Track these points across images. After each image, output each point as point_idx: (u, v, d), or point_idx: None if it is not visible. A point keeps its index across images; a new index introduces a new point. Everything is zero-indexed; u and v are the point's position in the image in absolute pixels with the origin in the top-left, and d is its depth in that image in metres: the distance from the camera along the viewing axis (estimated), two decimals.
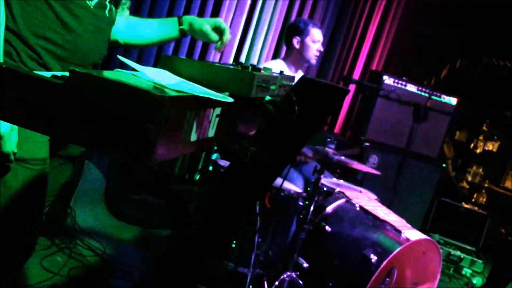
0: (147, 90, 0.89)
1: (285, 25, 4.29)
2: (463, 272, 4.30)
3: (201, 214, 1.96)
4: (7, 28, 1.36)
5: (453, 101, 4.34)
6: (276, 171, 1.53)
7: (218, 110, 1.21)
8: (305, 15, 4.40)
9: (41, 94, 0.94)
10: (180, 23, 1.71)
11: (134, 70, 1.09)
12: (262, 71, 1.50)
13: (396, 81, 4.14)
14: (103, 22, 1.51)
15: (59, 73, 0.94)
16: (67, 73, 0.90)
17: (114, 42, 1.73)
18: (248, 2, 4.01)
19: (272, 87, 1.46)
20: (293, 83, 1.72)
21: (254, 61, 4.14)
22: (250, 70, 1.31)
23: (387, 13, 5.01)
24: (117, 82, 0.88)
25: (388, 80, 4.10)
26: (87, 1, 1.44)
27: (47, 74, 0.93)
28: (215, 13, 3.84)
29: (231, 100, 1.12)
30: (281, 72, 1.70)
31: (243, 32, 4.08)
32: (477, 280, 4.15)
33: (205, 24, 1.67)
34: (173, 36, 1.76)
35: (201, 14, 3.77)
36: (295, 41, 3.11)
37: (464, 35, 5.69)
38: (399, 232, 2.44)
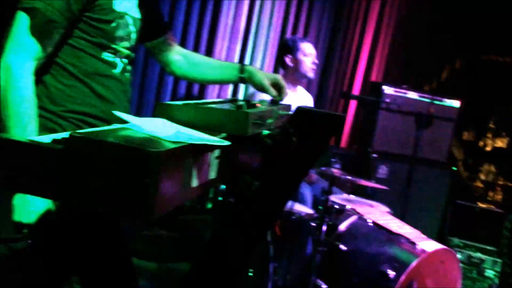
0: (142, 148, 0.91)
1: (279, 48, 4.34)
2: (486, 274, 4.24)
3: (215, 244, 1.98)
4: (46, 110, 1.48)
5: (455, 103, 4.34)
6: (281, 202, 1.55)
7: (216, 152, 1.23)
8: (300, 34, 4.45)
9: (43, 159, 0.96)
10: (241, 71, 1.79)
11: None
12: (258, 105, 1.53)
13: (397, 90, 4.15)
14: (126, 85, 1.65)
15: (59, 136, 0.98)
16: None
17: (170, 72, 1.89)
18: (243, 27, 4.07)
19: (269, 121, 1.49)
20: (290, 112, 1.75)
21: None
22: (244, 108, 1.34)
23: (381, 22, 5.05)
24: (113, 143, 0.91)
25: (388, 90, 4.12)
26: (113, 71, 1.58)
27: (48, 139, 0.97)
28: (211, 41, 3.90)
29: (227, 143, 1.14)
30: (277, 102, 1.73)
31: (240, 57, 4.13)
32: None
33: (265, 79, 1.76)
34: (231, 81, 1.88)
35: (196, 42, 3.83)
36: (288, 60, 3.18)
37: (460, 35, 5.71)
38: (414, 244, 2.43)
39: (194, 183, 1.13)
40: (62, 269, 1.44)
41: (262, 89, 1.78)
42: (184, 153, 1.03)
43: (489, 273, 4.25)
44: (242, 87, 4.15)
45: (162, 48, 1.83)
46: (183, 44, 3.74)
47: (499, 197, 5.81)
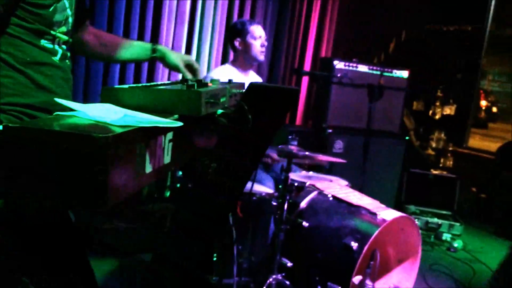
0: (88, 134, 0.85)
1: (227, 28, 4.27)
2: (444, 238, 4.39)
3: (177, 232, 1.93)
4: None
5: (404, 74, 4.41)
6: (241, 181, 1.51)
7: (170, 135, 1.17)
8: (246, 16, 4.39)
9: None
10: (153, 51, 1.79)
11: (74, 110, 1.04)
12: (210, 84, 1.47)
13: (347, 64, 4.17)
14: (67, 73, 1.57)
15: None
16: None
17: (81, 52, 1.84)
18: (188, 10, 3.97)
19: (222, 99, 1.44)
20: (243, 90, 1.70)
21: (203, 68, 4.10)
22: (196, 87, 1.28)
23: (327, 0, 5.06)
24: (55, 131, 0.84)
25: (339, 64, 4.13)
26: (53, 58, 1.49)
27: None
28: (156, 25, 3.78)
29: (179, 124, 1.09)
30: (230, 82, 1.68)
31: (187, 41, 4.03)
32: (458, 243, 4.24)
33: (179, 60, 1.77)
34: (143, 60, 1.89)
35: (141, 27, 3.70)
36: (237, 43, 3.13)
37: (404, 6, 5.80)
38: (375, 214, 2.46)
39: (148, 168, 1.08)
40: (13, 270, 1.36)
41: (175, 69, 1.78)
42: (134, 137, 0.97)
43: (446, 236, 4.40)
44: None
45: (78, 29, 1.75)
46: (126, 29, 3.60)
47: (450, 163, 6.01)
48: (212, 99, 1.30)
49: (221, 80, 3.06)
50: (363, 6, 5.39)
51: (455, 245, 4.21)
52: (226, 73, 3.12)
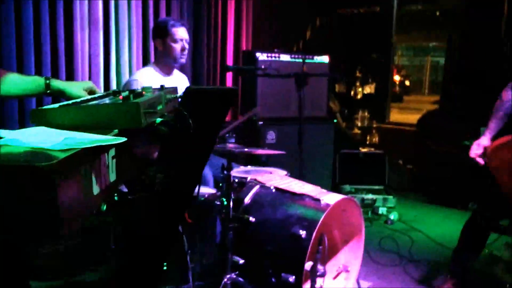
0: (30, 164, 0.79)
1: (144, 28, 4.16)
2: (380, 212, 4.58)
3: (123, 246, 1.86)
4: None
5: (325, 59, 4.52)
6: (190, 188, 1.48)
7: (112, 152, 1.12)
8: (162, 14, 4.29)
9: None
10: (47, 87, 1.65)
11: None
12: (144, 93, 1.42)
13: (269, 55, 4.21)
14: None
15: None
16: None
17: None
18: (101, 15, 3.81)
19: (159, 107, 1.39)
20: (177, 95, 1.66)
21: (125, 73, 3.96)
22: (132, 99, 1.23)
23: None
24: None
25: (261, 56, 4.16)
26: None
27: None
28: (68, 34, 3.59)
29: (122, 139, 1.03)
30: (162, 87, 1.62)
31: (104, 46, 3.88)
32: (394, 215, 4.43)
33: (81, 91, 1.65)
34: (37, 95, 1.74)
35: (53, 37, 3.50)
36: (158, 44, 3.05)
37: None
38: (318, 200, 2.50)
39: (95, 190, 1.02)
40: None
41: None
42: (79, 160, 0.92)
43: (382, 210, 4.59)
44: (113, 73, 3.92)
45: None
46: (37, 41, 3.39)
47: (376, 139, 6.27)
48: (150, 108, 1.25)
49: (147, 83, 2.97)
50: None
51: (392, 217, 4.40)
52: (150, 75, 3.04)
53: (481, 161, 2.49)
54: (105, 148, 1.03)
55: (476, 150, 2.48)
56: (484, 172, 2.55)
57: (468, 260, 2.96)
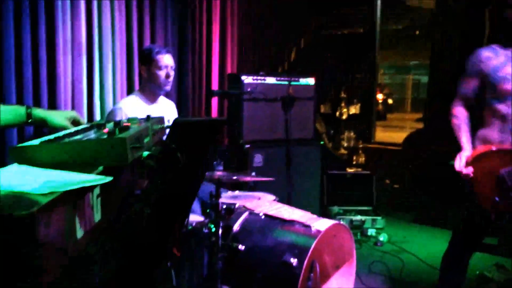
0: (9, 213, 0.73)
1: (128, 54, 4.12)
2: (369, 234, 4.54)
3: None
4: None
5: (310, 81, 4.52)
6: (178, 222, 1.42)
7: (97, 190, 1.07)
8: (147, 39, 4.27)
9: None
10: (29, 117, 1.59)
11: None
12: (129, 124, 1.37)
13: (255, 77, 4.19)
14: None
15: None
16: None
17: None
18: (84, 40, 3.76)
19: (146, 140, 1.35)
20: (164, 125, 1.62)
21: (109, 100, 3.90)
22: (118, 133, 1.18)
23: (225, 14, 5.07)
24: None
25: (247, 79, 4.14)
26: None
27: None
28: (51, 59, 3.53)
29: (108, 179, 0.98)
30: (149, 117, 1.58)
31: (88, 72, 3.82)
32: (383, 237, 4.40)
33: (65, 120, 1.61)
34: (18, 125, 1.67)
35: (35, 62, 3.44)
36: (143, 70, 3.03)
37: (298, 15, 5.99)
38: (309, 227, 2.46)
39: (79, 233, 0.97)
40: None
41: (64, 130, 1.63)
42: (61, 203, 0.86)
43: (371, 231, 4.56)
44: (97, 100, 3.85)
45: None
46: (18, 66, 3.32)
47: (362, 159, 6.27)
48: (137, 143, 1.21)
49: (131, 112, 2.92)
50: (261, 18, 5.48)
51: (381, 238, 4.36)
52: (134, 103, 2.99)
53: (469, 171, 2.39)
54: (89, 188, 0.98)
55: (459, 162, 2.42)
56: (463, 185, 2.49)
57: (455, 281, 2.86)
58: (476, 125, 2.57)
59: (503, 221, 2.46)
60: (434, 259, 3.84)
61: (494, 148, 2.42)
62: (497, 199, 2.35)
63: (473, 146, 2.50)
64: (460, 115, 2.56)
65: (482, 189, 2.40)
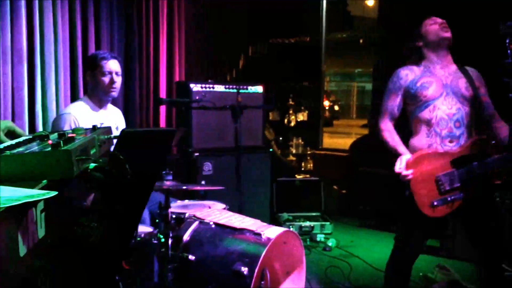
0: None
1: (72, 61, 4.01)
2: (318, 239, 4.61)
3: None
4: None
5: (259, 89, 4.55)
6: (127, 236, 1.39)
7: (41, 205, 1.02)
8: (91, 45, 4.17)
9: None
10: None
11: None
12: (74, 135, 1.33)
13: (203, 85, 4.18)
14: None
15: None
16: None
17: None
18: (25, 47, 3.62)
19: (93, 151, 1.31)
20: (111, 136, 1.58)
21: (51, 108, 3.78)
22: (62, 145, 1.14)
23: (172, 21, 5.03)
24: None
25: (195, 87, 4.12)
26: None
27: None
28: None
29: (52, 194, 0.95)
30: (95, 127, 1.53)
31: (29, 81, 3.68)
32: (331, 242, 4.48)
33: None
34: None
35: None
36: (88, 76, 2.96)
37: (246, 23, 6.03)
38: (259, 234, 2.46)
39: (22, 251, 0.93)
40: None
41: None
42: (2, 220, 0.82)
43: (320, 237, 4.63)
44: (39, 108, 3.71)
45: None
46: None
47: (310, 165, 6.37)
48: (83, 154, 1.17)
49: (80, 117, 2.83)
50: (209, 25, 5.48)
51: (329, 244, 4.44)
52: (82, 109, 2.91)
53: (408, 173, 2.45)
54: (32, 204, 0.94)
55: (400, 164, 2.49)
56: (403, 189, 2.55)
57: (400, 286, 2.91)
58: (408, 137, 2.68)
59: (447, 228, 2.54)
60: (381, 262, 3.94)
61: (430, 151, 2.50)
62: (435, 203, 2.43)
63: None
64: (389, 128, 2.67)
65: (421, 192, 2.47)
